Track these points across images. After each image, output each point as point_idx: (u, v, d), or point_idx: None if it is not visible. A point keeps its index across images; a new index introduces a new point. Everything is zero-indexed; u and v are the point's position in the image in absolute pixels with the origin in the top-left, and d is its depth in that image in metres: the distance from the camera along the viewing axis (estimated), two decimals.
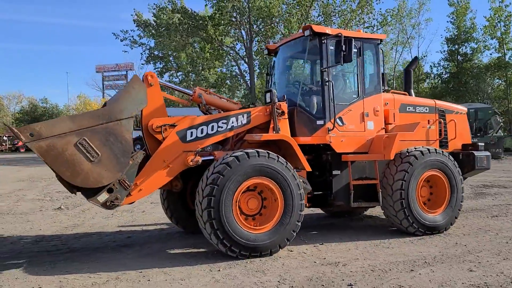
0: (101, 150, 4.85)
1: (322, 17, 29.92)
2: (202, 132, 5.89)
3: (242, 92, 37.34)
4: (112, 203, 5.12)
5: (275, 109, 6.10)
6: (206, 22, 29.80)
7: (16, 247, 6.31)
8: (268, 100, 6.14)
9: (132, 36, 40.76)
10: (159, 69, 44.52)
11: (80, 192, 5.19)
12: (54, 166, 4.69)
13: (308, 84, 7.07)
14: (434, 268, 4.82)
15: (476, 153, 7.44)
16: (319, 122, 6.45)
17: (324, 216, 8.44)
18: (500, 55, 38.34)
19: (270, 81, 7.64)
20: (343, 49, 6.07)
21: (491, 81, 40.16)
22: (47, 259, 5.53)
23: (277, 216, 5.56)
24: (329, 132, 6.40)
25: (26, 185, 14.60)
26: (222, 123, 6.02)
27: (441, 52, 40.52)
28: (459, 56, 39.14)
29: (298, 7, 28.05)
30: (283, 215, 5.58)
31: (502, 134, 27.50)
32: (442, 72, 39.95)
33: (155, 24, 32.72)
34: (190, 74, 37.55)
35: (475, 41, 39.31)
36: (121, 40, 40.44)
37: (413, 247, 5.87)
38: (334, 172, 6.61)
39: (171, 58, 44.22)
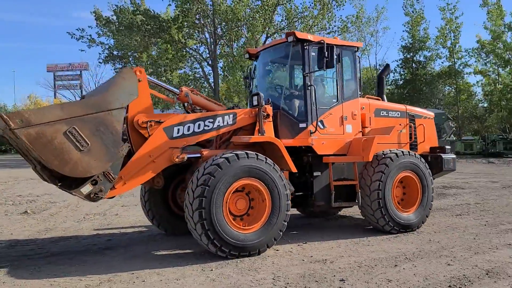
0: (91, 140, 4.80)
1: (285, 22, 30.45)
2: (188, 130, 5.94)
3: (205, 94, 37.24)
4: (96, 195, 5.06)
5: (261, 112, 6.25)
6: (169, 24, 29.53)
7: None
8: (255, 103, 6.26)
9: (90, 35, 39.70)
10: (118, 70, 43.63)
11: (60, 184, 4.99)
12: (42, 154, 4.54)
13: (291, 88, 7.26)
14: (416, 263, 5.13)
15: (443, 155, 7.93)
16: (302, 125, 6.66)
17: (301, 217, 8.66)
18: (451, 63, 40.48)
19: (251, 84, 7.78)
20: (326, 55, 6.31)
21: (443, 88, 42.26)
22: (29, 263, 5.38)
23: (265, 216, 5.70)
24: (311, 134, 6.62)
25: None
26: (209, 122, 6.10)
27: (396, 61, 42.20)
28: (413, 64, 40.93)
29: (261, 12, 28.38)
30: (270, 215, 5.72)
31: (454, 139, 29.07)
32: (398, 79, 41.61)
33: (117, 22, 31.97)
34: (152, 75, 37.00)
35: (428, 50, 41.27)
36: (78, 39, 39.31)
37: (391, 244, 6.18)
38: (315, 174, 6.82)
39: (130, 58, 43.42)
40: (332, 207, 6.90)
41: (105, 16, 34.67)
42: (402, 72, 41.59)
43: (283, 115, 6.76)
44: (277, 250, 5.90)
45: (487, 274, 4.67)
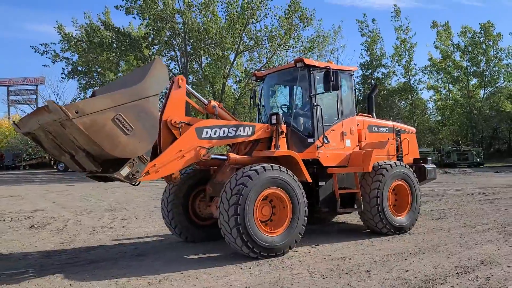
0: (135, 124, 5.32)
1: (253, 41, 31.57)
2: (215, 133, 6.71)
3: None
4: (133, 176, 5.60)
5: (278, 129, 7.07)
6: (140, 42, 29.91)
7: (30, 262, 6.42)
8: (273, 121, 7.09)
9: (54, 50, 39.21)
10: (82, 85, 43.13)
11: (100, 169, 5.52)
12: (96, 139, 5.02)
13: (298, 107, 8.11)
14: (421, 257, 6.05)
15: (426, 166, 9.03)
16: (310, 140, 7.53)
17: None
18: (406, 80, 43.16)
19: (259, 104, 8.57)
20: (332, 79, 7.24)
21: (399, 102, 44.86)
22: (77, 270, 5.83)
23: (287, 221, 6.48)
24: (318, 149, 7.49)
25: None
26: (232, 129, 6.89)
27: (356, 77, 44.37)
28: (372, 80, 43.26)
29: (231, 31, 29.35)
30: (292, 220, 6.50)
31: None
32: (358, 95, 43.73)
33: (87, 40, 31.91)
34: None
35: (385, 67, 43.84)
36: (41, 54, 38.71)
37: (392, 243, 7.11)
38: (320, 183, 7.67)
39: (95, 74, 43.12)
40: (337, 213, 7.77)
41: (76, 35, 34.48)
42: (361, 88, 43.79)
43: (292, 131, 7.59)
44: (296, 251, 6.66)
45: (482, 263, 5.66)
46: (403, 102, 45.39)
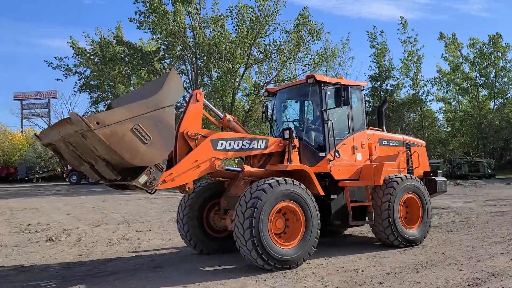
0: (152, 134, 5.52)
1: (262, 55, 31.96)
2: (229, 146, 6.94)
3: None
4: (151, 183, 5.80)
5: (291, 144, 7.27)
6: (151, 56, 30.48)
7: (52, 274, 6.65)
8: (286, 136, 7.29)
9: (67, 64, 40.03)
10: (94, 98, 43.87)
11: (120, 178, 5.75)
12: (116, 148, 5.24)
13: (310, 122, 8.31)
14: (433, 270, 6.16)
15: (437, 178, 9.14)
16: (321, 154, 7.71)
17: None
18: (415, 92, 43.19)
19: (271, 118, 8.79)
20: (342, 95, 7.44)
21: (408, 114, 44.84)
22: (99, 281, 6.04)
23: (301, 234, 6.63)
24: (330, 162, 7.66)
25: None
26: (246, 142, 7.11)
27: (365, 90, 44.53)
28: (381, 92, 43.35)
29: (241, 45, 29.78)
30: (305, 233, 6.65)
31: None
32: (367, 106, 43.83)
33: (100, 54, 32.60)
34: None
35: (394, 79, 43.94)
36: (54, 68, 39.53)
37: (404, 256, 7.21)
38: (332, 196, 7.82)
39: (107, 88, 43.87)
40: (349, 225, 7.90)
41: (89, 49, 35.23)
42: (370, 100, 43.89)
43: (304, 145, 7.77)
44: (310, 263, 6.80)
45: (493, 275, 5.76)
46: (412, 114, 45.33)
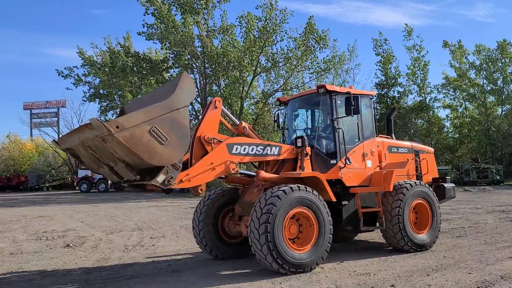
0: (169, 135, 5.77)
1: (270, 63, 32.31)
2: (244, 150, 7.20)
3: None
4: (168, 182, 6.07)
5: (303, 152, 7.51)
6: (160, 65, 30.96)
7: (75, 278, 6.91)
8: (299, 144, 7.53)
9: (77, 74, 40.66)
10: (103, 107, 44.44)
11: (139, 178, 5.99)
12: (136, 150, 5.49)
13: (321, 130, 8.55)
14: (443, 273, 6.34)
15: (445, 185, 9.32)
16: (333, 161, 7.94)
17: None
18: (422, 98, 43.27)
19: (283, 127, 9.05)
20: (353, 104, 7.69)
21: (416, 121, 44.88)
22: (121, 284, 6.29)
23: (314, 239, 6.85)
24: (341, 169, 7.89)
25: (2, 227, 14.31)
26: (260, 148, 7.37)
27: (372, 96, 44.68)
28: (388, 99, 43.49)
29: (248, 54, 30.15)
30: (318, 238, 6.87)
31: None
32: (375, 113, 44.03)
33: (110, 65, 33.16)
34: None
35: (401, 86, 44.08)
36: (64, 78, 40.14)
37: (414, 260, 7.39)
38: (343, 202, 8.03)
39: (116, 96, 44.48)
40: (360, 231, 8.10)
41: (97, 59, 35.84)
42: (378, 107, 44.02)
43: (316, 153, 8.01)
44: (323, 267, 7.00)
45: (502, 278, 5.94)
46: (419, 121, 45.37)
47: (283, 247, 6.45)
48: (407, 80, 43.48)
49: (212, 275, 6.75)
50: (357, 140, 8.35)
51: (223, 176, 7.56)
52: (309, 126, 8.97)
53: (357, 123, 8.38)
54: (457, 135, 44.54)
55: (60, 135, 59.17)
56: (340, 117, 8.01)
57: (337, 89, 8.15)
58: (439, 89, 44.59)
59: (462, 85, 43.87)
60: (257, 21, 30.63)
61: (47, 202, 27.62)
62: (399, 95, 43.72)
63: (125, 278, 6.76)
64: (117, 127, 5.33)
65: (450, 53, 44.43)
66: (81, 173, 41.13)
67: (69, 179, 51.81)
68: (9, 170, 55.45)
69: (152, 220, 15.18)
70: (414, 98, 44.64)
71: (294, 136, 8.46)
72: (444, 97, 45.75)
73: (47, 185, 49.39)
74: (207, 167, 6.78)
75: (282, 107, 9.27)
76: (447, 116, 46.90)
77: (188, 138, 6.25)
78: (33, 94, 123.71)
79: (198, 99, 32.92)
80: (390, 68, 44.29)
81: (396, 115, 42.14)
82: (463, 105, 46.57)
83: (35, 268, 7.78)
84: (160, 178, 5.99)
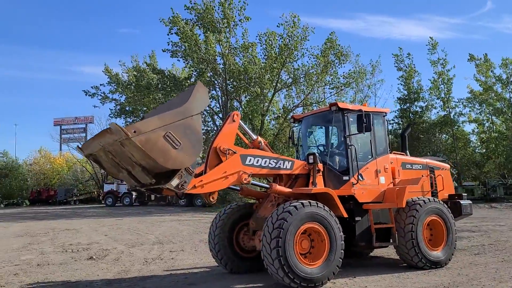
0: (182, 140, 6.05)
1: (291, 79, 32.66)
2: (257, 162, 7.44)
3: None
4: (182, 186, 6.31)
5: (315, 168, 7.70)
6: (183, 82, 31.74)
7: None
8: (311, 161, 7.73)
9: (104, 92, 41.99)
10: (129, 123, 45.68)
11: (154, 182, 6.26)
12: (151, 154, 5.78)
13: (334, 147, 8.74)
14: None
15: (461, 201, 9.31)
16: (345, 178, 8.09)
17: None
18: (446, 113, 42.64)
19: (297, 144, 9.28)
20: (364, 121, 7.86)
21: (440, 136, 44.19)
22: None
23: (325, 254, 6.98)
24: (353, 185, 8.03)
25: (31, 240, 14.93)
26: (273, 161, 7.61)
27: (394, 111, 44.40)
28: (410, 114, 43.08)
29: (270, 70, 30.61)
30: (329, 253, 7.00)
31: (455, 185, 30.39)
32: (397, 128, 43.60)
33: (136, 83, 34.22)
34: None
35: (423, 101, 43.61)
36: (91, 96, 41.53)
37: (428, 277, 7.42)
38: (356, 218, 8.14)
39: (141, 113, 45.60)
40: (373, 247, 8.18)
41: (123, 77, 37.00)
42: (400, 122, 43.62)
43: (329, 169, 8.18)
44: (334, 283, 7.12)
45: None
46: (444, 136, 44.64)
47: (294, 261, 6.61)
48: (429, 94, 43.04)
49: None
50: (370, 157, 8.48)
51: (238, 188, 7.88)
52: (323, 143, 9.16)
53: (370, 140, 8.52)
54: (484, 150, 43.48)
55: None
56: (352, 134, 8.17)
57: (350, 106, 8.34)
58: (464, 103, 43.85)
59: (488, 99, 43.04)
60: (278, 38, 31.14)
61: (74, 215, 28.41)
62: (421, 110, 43.24)
63: None
64: (134, 131, 5.66)
65: (475, 67, 43.80)
66: (107, 187, 42.12)
67: (95, 193, 53.07)
68: (39, 184, 57.25)
69: (173, 234, 15.51)
70: (438, 112, 44.07)
71: (307, 152, 8.65)
72: (469, 111, 44.95)
73: (75, 199, 50.67)
74: (220, 175, 7.04)
75: (296, 124, 9.49)
76: (472, 130, 45.95)
77: (200, 144, 6.55)
78: (63, 110, 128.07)
79: (220, 115, 33.46)
80: (412, 83, 43.99)
81: (417, 128, 41.77)
82: (490, 120, 45.57)
83: (59, 279, 8.16)
84: (174, 182, 6.25)
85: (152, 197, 41.12)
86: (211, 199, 7.35)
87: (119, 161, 6.28)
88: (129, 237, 14.90)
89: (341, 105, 8.26)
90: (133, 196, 40.12)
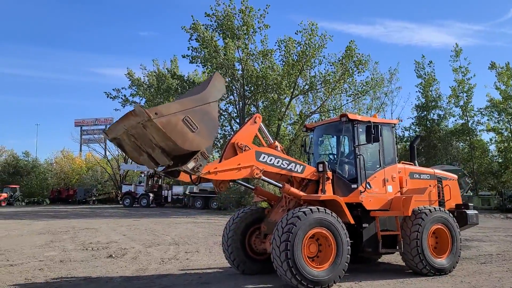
0: (199, 124, 6.52)
1: (308, 86, 33.01)
2: (270, 160, 7.91)
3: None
4: (197, 169, 6.77)
5: (325, 176, 8.10)
6: None
7: (115, 285, 7.77)
8: (320, 169, 8.14)
9: (124, 95, 42.98)
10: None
11: (172, 163, 6.72)
12: (171, 135, 6.23)
13: (343, 156, 9.12)
14: None
15: (468, 211, 9.57)
16: (354, 186, 8.46)
17: None
18: (464, 121, 42.36)
19: (309, 152, 9.69)
20: (373, 132, 8.22)
21: (457, 144, 43.89)
22: None
23: (332, 258, 7.36)
24: (361, 193, 8.39)
25: (53, 237, 15.60)
26: (285, 162, 8.07)
27: (411, 118, 44.30)
28: (427, 122, 42.95)
29: (287, 76, 31.02)
30: (336, 257, 7.38)
31: (470, 194, 30.26)
32: (414, 136, 43.51)
33: (156, 86, 35.09)
34: None
35: (441, 109, 43.41)
36: (113, 99, 42.57)
37: (431, 283, 7.73)
38: (364, 225, 8.49)
39: None
40: (379, 253, 8.51)
41: (144, 80, 37.90)
42: (417, 130, 43.51)
43: (338, 177, 8.56)
44: (340, 286, 7.49)
45: None
46: (461, 144, 44.32)
47: (301, 264, 7.01)
48: (447, 102, 42.84)
49: None
50: (378, 166, 8.82)
51: (253, 187, 8.41)
52: (333, 151, 9.55)
53: (379, 150, 8.86)
54: (501, 160, 43.00)
55: (107, 151, 62.31)
56: (361, 144, 8.54)
57: (359, 118, 8.72)
58: (483, 112, 43.46)
59: (507, 108, 42.59)
60: (297, 45, 31.54)
61: (93, 215, 29.24)
62: (438, 118, 43.07)
63: (160, 287, 7.54)
64: (156, 113, 6.13)
65: (496, 75, 43.41)
66: (125, 188, 43.05)
67: (114, 193, 54.17)
68: (59, 184, 58.69)
69: (189, 236, 16.02)
70: (456, 120, 43.81)
71: (318, 161, 9.04)
72: (488, 119, 44.53)
73: (93, 199, 51.78)
74: (234, 166, 7.52)
75: (309, 133, 9.90)
76: (491, 139, 45.49)
77: (216, 129, 7.06)
78: (83, 111, 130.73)
79: (237, 120, 33.96)
80: (430, 91, 43.86)
81: (436, 138, 41.61)
82: (509, 129, 45.05)
83: (81, 275, 8.71)
84: (190, 164, 6.71)
85: (169, 199, 41.88)
86: (220, 188, 7.82)
87: (141, 144, 6.70)
88: (146, 237, 15.46)
89: (351, 116, 8.65)
90: (150, 198, 40.89)
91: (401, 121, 43.62)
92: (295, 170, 8.19)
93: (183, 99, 6.72)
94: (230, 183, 8.80)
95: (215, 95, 6.97)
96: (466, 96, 41.92)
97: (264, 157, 7.82)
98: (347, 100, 35.02)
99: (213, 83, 7.02)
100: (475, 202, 32.73)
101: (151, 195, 41.16)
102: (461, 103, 42.25)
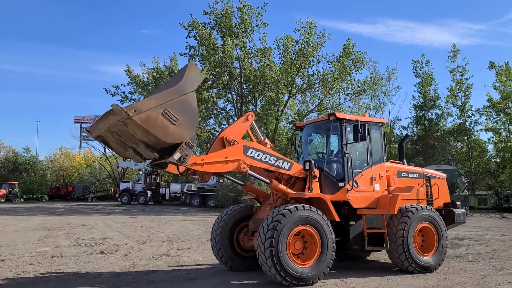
0: (179, 116, 6.54)
1: (306, 85, 33.06)
2: (258, 156, 7.96)
3: None
4: (183, 159, 6.83)
5: (311, 174, 8.18)
6: (200, 85, 32.50)
7: (103, 280, 7.85)
8: (307, 167, 8.21)
9: (124, 92, 43.02)
10: None
11: (157, 155, 6.75)
12: (152, 131, 6.31)
13: (331, 154, 9.20)
14: None
15: (455, 210, 9.65)
16: (341, 184, 8.54)
17: (335, 260, 10.26)
18: (462, 121, 42.40)
19: (298, 150, 9.77)
20: (360, 131, 8.30)
21: (455, 144, 43.94)
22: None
23: (317, 255, 7.45)
24: (348, 192, 8.47)
25: (48, 233, 15.71)
26: (273, 159, 8.13)
27: (409, 118, 44.35)
28: (425, 121, 43.00)
29: (285, 75, 31.09)
30: (321, 254, 7.47)
31: (467, 193, 30.32)
32: (412, 134, 43.56)
33: (154, 83, 35.14)
34: None
35: (439, 108, 43.46)
36: (112, 95, 42.60)
37: (414, 280, 7.81)
38: (350, 223, 8.58)
39: None
40: (365, 250, 8.60)
41: (143, 78, 37.95)
42: (415, 129, 43.57)
43: (325, 176, 8.64)
44: (325, 282, 7.58)
45: None
46: (459, 144, 44.36)
47: (286, 261, 7.10)
48: (445, 102, 42.88)
49: (224, 284, 7.50)
50: (365, 165, 8.91)
51: (242, 183, 8.52)
52: (321, 150, 9.63)
53: (367, 149, 8.94)
54: (499, 160, 43.04)
55: (106, 149, 62.42)
56: (348, 143, 8.62)
57: (347, 117, 8.79)
58: (481, 112, 43.49)
59: (505, 108, 42.61)
60: (295, 43, 31.59)
61: (91, 212, 29.36)
62: (437, 117, 43.11)
63: (147, 282, 7.63)
64: (135, 111, 6.18)
65: (495, 75, 43.42)
66: (123, 185, 43.17)
67: (112, 191, 54.31)
68: (58, 180, 58.83)
69: (183, 233, 16.12)
70: (453, 120, 43.86)
71: (305, 159, 9.11)
72: (486, 119, 44.58)
73: (92, 195, 51.94)
74: (221, 159, 7.60)
75: (298, 131, 9.98)
76: (489, 139, 45.54)
77: (196, 118, 7.08)
78: (83, 108, 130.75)
79: (235, 118, 34.01)
80: (429, 90, 43.90)
81: (434, 137, 41.65)
82: (507, 129, 45.09)
83: (71, 270, 8.81)
84: (176, 155, 6.77)
85: (167, 196, 41.97)
86: (204, 178, 7.87)
87: (125, 140, 6.75)
88: (141, 234, 15.56)
89: (338, 115, 8.73)
90: (148, 195, 41.02)
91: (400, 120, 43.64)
92: (283, 166, 8.25)
93: (159, 93, 6.72)
94: (221, 180, 8.87)
95: (191, 85, 6.95)
96: (464, 96, 41.98)
97: (251, 152, 7.90)
98: (345, 99, 35.08)
99: (188, 74, 6.98)
100: (472, 202, 32.84)
101: (149, 192, 41.28)
102: (459, 103, 42.31)
